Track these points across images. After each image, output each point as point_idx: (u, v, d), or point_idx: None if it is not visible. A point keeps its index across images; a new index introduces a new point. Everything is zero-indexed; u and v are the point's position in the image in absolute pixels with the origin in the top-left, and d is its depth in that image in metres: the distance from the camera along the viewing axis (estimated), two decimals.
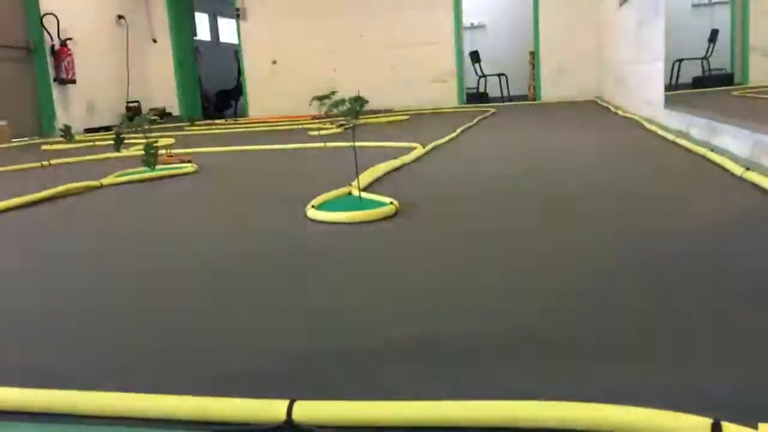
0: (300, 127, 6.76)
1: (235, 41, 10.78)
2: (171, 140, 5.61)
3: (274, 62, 10.19)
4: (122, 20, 9.83)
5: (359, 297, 1.27)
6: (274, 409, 0.79)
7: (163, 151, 3.67)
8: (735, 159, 2.54)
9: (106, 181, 3.02)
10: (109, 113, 9.28)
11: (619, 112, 5.95)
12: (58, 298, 1.38)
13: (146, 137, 3.41)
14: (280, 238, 1.83)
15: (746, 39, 7.42)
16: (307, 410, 0.78)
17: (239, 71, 10.80)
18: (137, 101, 9.88)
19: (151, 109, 9.97)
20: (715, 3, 8.57)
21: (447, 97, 9.64)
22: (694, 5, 8.86)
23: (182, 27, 10.76)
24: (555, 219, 1.87)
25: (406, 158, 3.23)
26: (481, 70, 10.30)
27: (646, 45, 5.31)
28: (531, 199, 2.20)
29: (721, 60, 8.03)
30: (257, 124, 7.81)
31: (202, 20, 13.52)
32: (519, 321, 1.09)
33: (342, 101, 1.99)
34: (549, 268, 1.38)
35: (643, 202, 2.04)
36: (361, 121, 5.85)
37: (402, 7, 9.66)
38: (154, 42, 10.49)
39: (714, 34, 8.00)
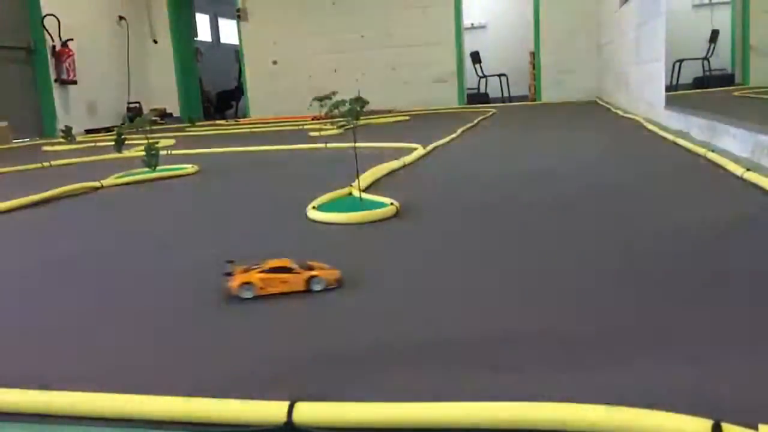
0: (301, 127, 6.76)
1: (236, 42, 10.79)
2: (171, 141, 5.62)
3: (275, 63, 10.20)
4: (123, 21, 9.84)
5: (359, 296, 1.27)
6: (274, 410, 0.79)
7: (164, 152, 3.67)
8: (736, 159, 2.54)
9: (106, 181, 3.02)
10: (110, 114, 9.29)
11: (620, 113, 5.95)
12: (52, 303, 1.38)
13: (147, 138, 3.41)
14: (281, 239, 1.83)
15: (747, 39, 7.41)
16: (307, 412, 0.78)
17: (240, 72, 10.81)
18: (138, 102, 9.89)
19: (151, 110, 9.96)
20: (715, 3, 8.56)
21: (448, 97, 9.64)
22: (695, 5, 8.84)
23: (183, 28, 10.76)
24: (555, 219, 1.86)
25: (407, 159, 3.23)
26: (482, 70, 10.31)
27: (646, 45, 5.31)
28: (531, 199, 2.20)
29: (721, 60, 8.02)
30: (258, 125, 7.81)
31: (202, 21, 13.54)
32: (518, 321, 1.09)
33: (342, 102, 1.99)
34: (549, 268, 1.38)
35: (643, 202, 2.04)
36: (362, 122, 5.85)
37: (403, 8, 9.67)
38: (155, 43, 10.50)
39: (714, 35, 7.99)
